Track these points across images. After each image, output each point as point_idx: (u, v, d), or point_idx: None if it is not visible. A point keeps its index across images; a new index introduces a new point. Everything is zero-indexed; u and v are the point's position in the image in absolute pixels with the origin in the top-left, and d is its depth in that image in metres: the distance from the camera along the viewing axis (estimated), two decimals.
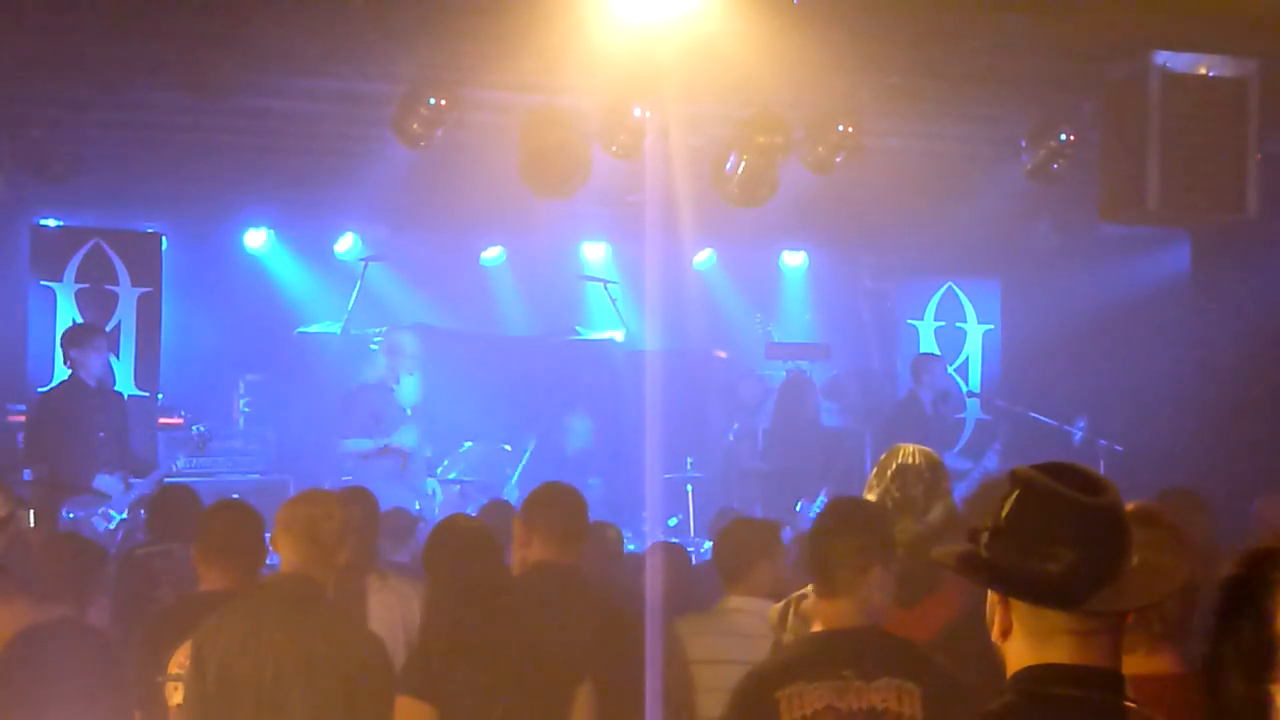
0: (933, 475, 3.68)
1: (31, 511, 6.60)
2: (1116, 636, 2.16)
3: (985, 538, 2.20)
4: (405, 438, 8.98)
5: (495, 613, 4.04)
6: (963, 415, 10.94)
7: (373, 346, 10.78)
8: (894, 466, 3.68)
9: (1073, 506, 2.13)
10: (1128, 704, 2.15)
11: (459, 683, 3.92)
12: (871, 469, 3.78)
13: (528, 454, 10.10)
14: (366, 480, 8.48)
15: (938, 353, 11.34)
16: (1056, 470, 2.18)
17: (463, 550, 4.15)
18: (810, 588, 3.78)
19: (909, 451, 3.72)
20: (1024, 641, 2.17)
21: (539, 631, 4.12)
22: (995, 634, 2.22)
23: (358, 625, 4.51)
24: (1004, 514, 2.18)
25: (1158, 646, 2.76)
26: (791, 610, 3.78)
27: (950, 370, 11.34)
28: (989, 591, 2.24)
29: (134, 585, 5.90)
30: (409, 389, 8.96)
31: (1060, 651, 2.14)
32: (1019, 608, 2.18)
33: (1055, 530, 2.13)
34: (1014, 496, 2.17)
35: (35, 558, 5.14)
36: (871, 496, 3.68)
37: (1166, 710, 2.63)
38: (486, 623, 4.02)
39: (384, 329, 10.77)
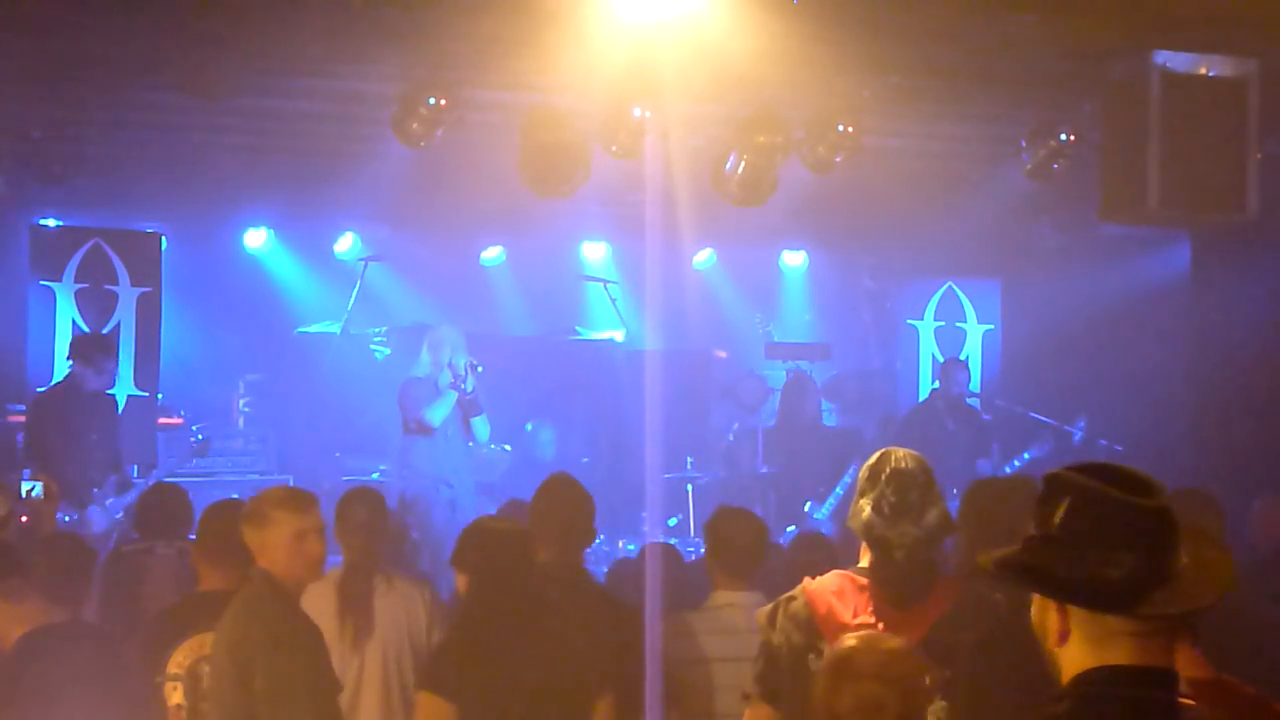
0: (926, 479, 3.68)
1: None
2: (1171, 637, 2.19)
3: (1034, 544, 2.21)
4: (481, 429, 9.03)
5: (523, 615, 4.03)
6: (987, 419, 10.88)
7: (373, 346, 10.81)
8: (888, 471, 3.68)
9: (1129, 510, 2.14)
10: (1185, 702, 2.18)
11: (480, 683, 3.91)
12: (860, 473, 3.76)
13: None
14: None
15: (942, 357, 11.36)
16: (1103, 473, 2.19)
17: (495, 551, 4.14)
18: (799, 590, 3.78)
19: (901, 456, 3.71)
20: (1082, 646, 2.19)
21: (565, 637, 4.10)
22: (1052, 640, 2.22)
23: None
24: (1057, 520, 2.18)
25: (1179, 647, 2.76)
26: (780, 612, 3.78)
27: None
28: (1037, 598, 2.24)
29: (120, 582, 5.92)
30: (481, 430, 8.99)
31: (1119, 654, 2.16)
32: (1076, 613, 2.18)
33: (1113, 535, 2.14)
34: (1066, 503, 2.18)
35: (35, 558, 5.16)
36: (865, 502, 3.67)
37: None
38: (513, 624, 4.00)
39: (385, 328, 10.79)
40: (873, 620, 3.62)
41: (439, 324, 9.32)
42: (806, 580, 3.80)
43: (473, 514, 8.63)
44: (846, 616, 3.65)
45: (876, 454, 3.75)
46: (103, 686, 4.60)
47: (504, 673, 3.93)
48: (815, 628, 3.68)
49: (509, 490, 9.00)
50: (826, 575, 3.79)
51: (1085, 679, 2.17)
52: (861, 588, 3.69)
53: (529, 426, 10.35)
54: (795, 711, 3.71)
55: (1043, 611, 2.24)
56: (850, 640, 3.02)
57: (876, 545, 3.66)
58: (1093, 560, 2.14)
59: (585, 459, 10.42)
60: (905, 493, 3.63)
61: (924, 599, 3.61)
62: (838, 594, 3.70)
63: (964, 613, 3.49)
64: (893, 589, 3.64)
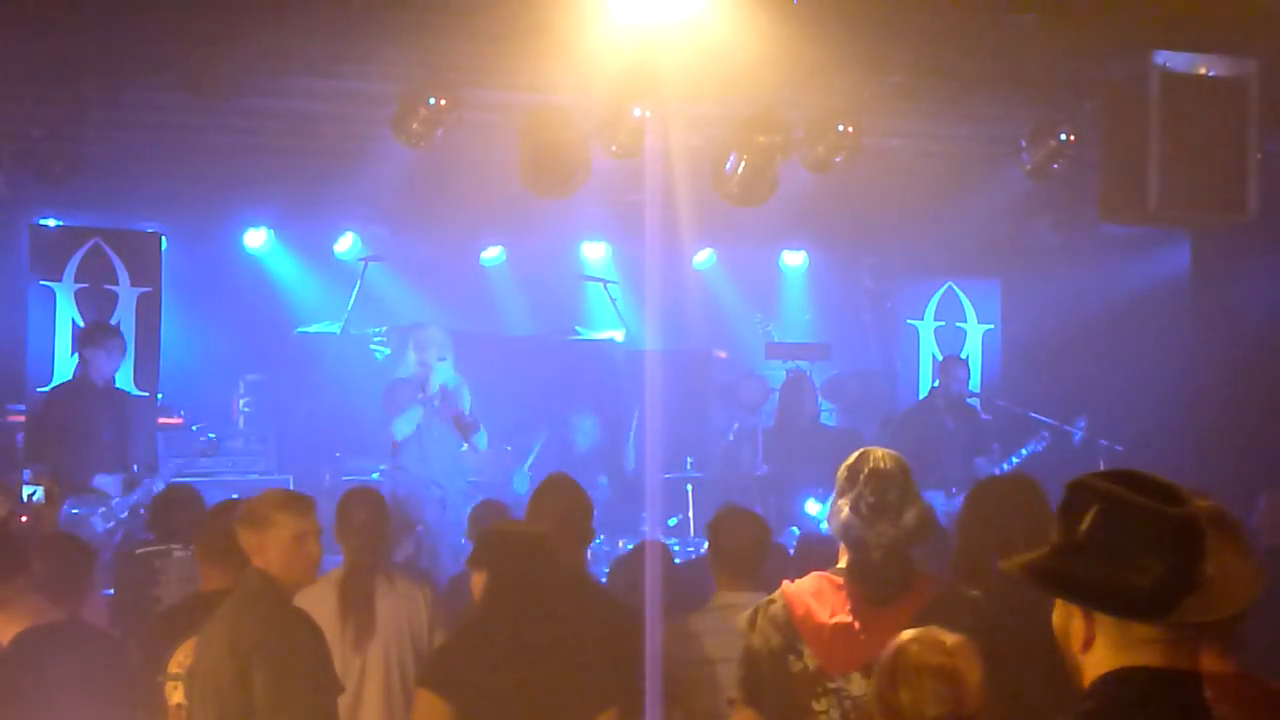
0: (904, 479, 3.68)
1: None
2: (1197, 643, 2.21)
3: (1061, 551, 2.22)
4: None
5: (534, 620, 4.01)
6: (986, 418, 10.86)
7: (373, 346, 10.81)
8: (866, 471, 3.67)
9: (1157, 518, 2.15)
10: (1209, 704, 2.20)
11: (481, 684, 3.90)
12: (839, 473, 3.75)
13: (533, 454, 10.10)
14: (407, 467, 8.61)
15: (941, 355, 11.36)
16: (1130, 480, 2.20)
17: (515, 553, 4.13)
18: (778, 593, 3.78)
19: (880, 456, 3.70)
20: (1107, 651, 2.20)
21: (575, 647, 4.07)
22: (1076, 646, 2.23)
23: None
24: (1083, 528, 2.19)
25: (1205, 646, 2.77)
26: (760, 615, 3.78)
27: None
28: (1060, 604, 2.25)
29: (133, 584, 5.92)
30: (441, 374, 8.93)
31: (1145, 658, 2.18)
32: (1102, 620, 2.19)
33: (1141, 543, 2.15)
34: (1094, 511, 2.18)
35: (35, 558, 5.16)
36: (843, 502, 3.67)
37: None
38: (523, 629, 3.98)
39: (385, 328, 10.79)
40: (850, 619, 3.63)
41: (425, 324, 9.35)
42: (785, 583, 3.81)
43: (464, 513, 8.69)
44: (824, 617, 3.66)
45: (855, 454, 3.74)
46: (101, 686, 4.60)
47: (507, 676, 3.90)
48: (794, 629, 3.68)
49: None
50: (805, 577, 3.80)
51: (1110, 678, 2.18)
52: (839, 587, 3.69)
53: (574, 419, 10.37)
54: (777, 714, 3.71)
55: (1067, 618, 2.24)
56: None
57: (854, 546, 3.66)
58: (1121, 568, 2.15)
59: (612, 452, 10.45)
60: (883, 493, 3.63)
61: (902, 597, 3.62)
62: (815, 595, 3.71)
63: (939, 609, 3.48)
64: (870, 588, 3.64)
